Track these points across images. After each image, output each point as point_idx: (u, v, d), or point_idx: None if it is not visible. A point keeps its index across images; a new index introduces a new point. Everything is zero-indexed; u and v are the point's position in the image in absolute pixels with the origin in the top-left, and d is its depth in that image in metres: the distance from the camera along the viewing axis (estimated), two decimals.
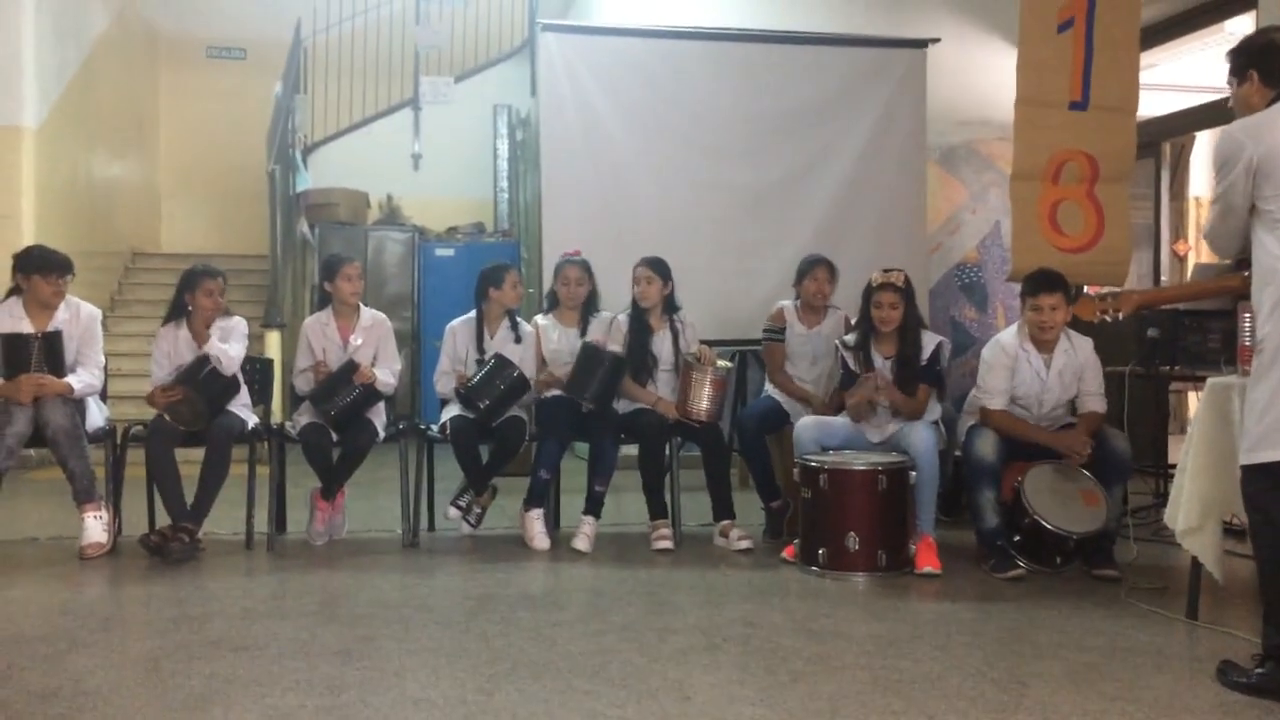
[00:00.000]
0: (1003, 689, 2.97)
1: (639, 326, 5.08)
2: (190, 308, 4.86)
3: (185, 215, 11.31)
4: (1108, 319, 3.59)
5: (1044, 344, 4.45)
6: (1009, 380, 4.45)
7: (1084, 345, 4.50)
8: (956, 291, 8.01)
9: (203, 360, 4.71)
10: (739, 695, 2.89)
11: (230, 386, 4.80)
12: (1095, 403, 4.46)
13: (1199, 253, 9.78)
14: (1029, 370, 4.46)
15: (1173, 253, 8.44)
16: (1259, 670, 2.94)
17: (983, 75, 7.60)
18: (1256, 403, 2.97)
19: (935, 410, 4.68)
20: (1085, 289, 3.57)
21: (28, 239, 7.30)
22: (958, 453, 4.79)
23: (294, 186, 9.39)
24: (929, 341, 4.64)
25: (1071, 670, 3.14)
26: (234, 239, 10.54)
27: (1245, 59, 3.14)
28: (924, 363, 4.60)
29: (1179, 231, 9.48)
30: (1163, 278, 7.19)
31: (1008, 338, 4.54)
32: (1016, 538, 4.40)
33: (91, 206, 9.26)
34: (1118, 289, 3.49)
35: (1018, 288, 7.60)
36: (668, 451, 4.98)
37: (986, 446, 4.38)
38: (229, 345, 4.82)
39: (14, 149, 7.68)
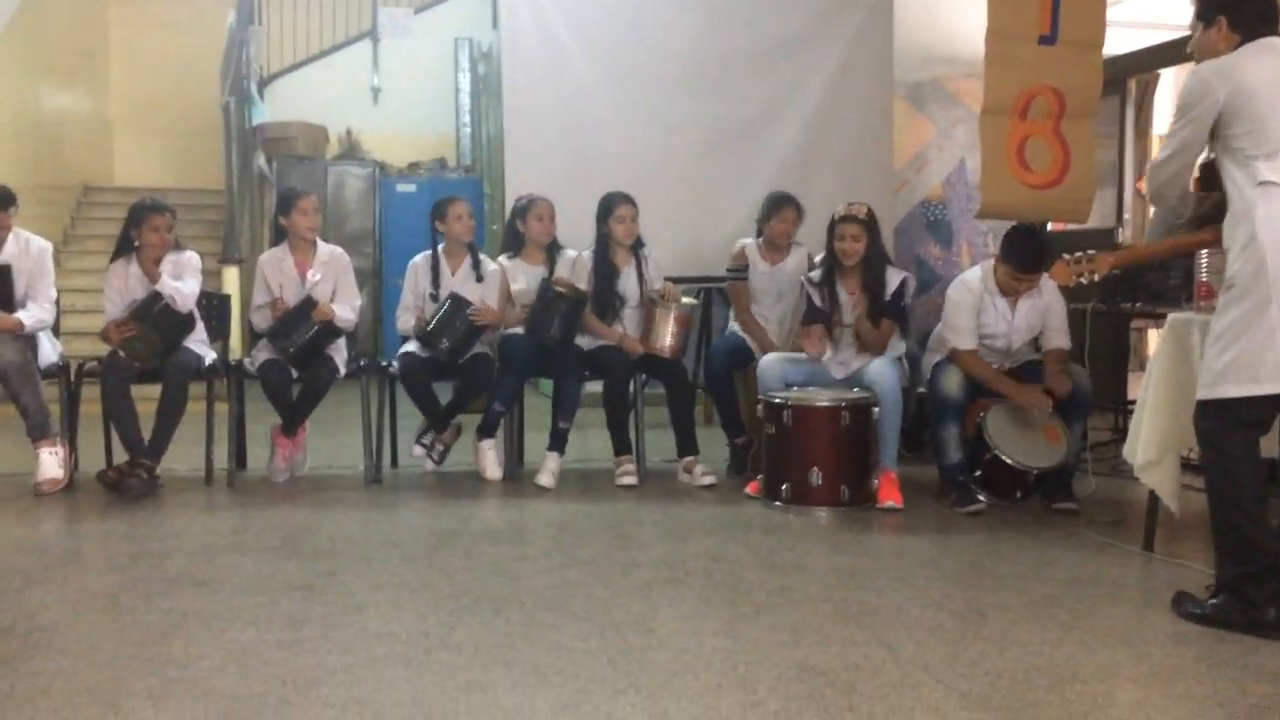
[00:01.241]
0: (962, 619, 3.00)
1: (604, 264, 5.03)
2: (138, 244, 4.74)
3: (138, 148, 11.02)
4: (1083, 282, 3.57)
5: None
6: (975, 319, 4.45)
7: (1048, 284, 4.50)
8: (921, 229, 8.00)
9: (155, 296, 4.61)
10: (702, 627, 2.90)
11: (185, 322, 4.72)
12: (1060, 339, 4.48)
13: None
14: (995, 313, 4.47)
15: (1136, 191, 8.46)
16: (1211, 601, 2.99)
17: (951, 11, 7.51)
18: (1220, 339, 2.96)
19: (899, 347, 4.68)
20: (1064, 256, 3.55)
21: None
22: (921, 389, 4.81)
23: (250, 120, 9.17)
24: (894, 277, 4.63)
25: (1030, 601, 3.17)
26: (189, 173, 10.29)
27: (1215, 4, 3.09)
28: (889, 298, 4.59)
29: (1142, 170, 9.50)
30: (1125, 215, 7.21)
31: (973, 278, 4.53)
32: (978, 472, 4.44)
33: (39, 138, 9.01)
34: (1093, 251, 3.45)
35: (983, 225, 7.66)
36: (632, 388, 4.97)
37: (952, 383, 4.40)
38: (182, 282, 4.72)
39: None
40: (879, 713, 2.34)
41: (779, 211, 5.12)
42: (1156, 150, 9.81)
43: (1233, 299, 2.93)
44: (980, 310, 4.48)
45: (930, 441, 4.64)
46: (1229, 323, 2.93)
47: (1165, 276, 5.52)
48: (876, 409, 4.42)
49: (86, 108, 10.50)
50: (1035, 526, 4.10)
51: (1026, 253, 4.37)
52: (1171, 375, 3.54)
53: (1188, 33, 3.21)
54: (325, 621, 2.92)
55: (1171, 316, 3.58)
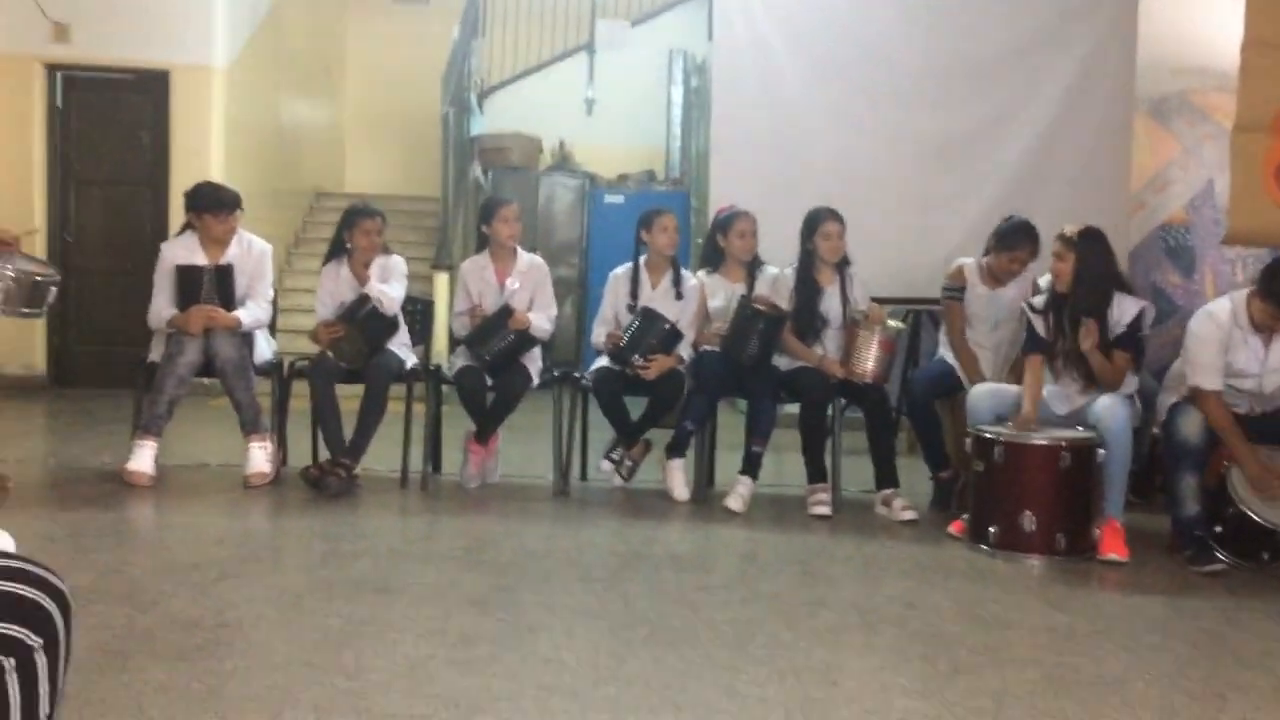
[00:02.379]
0: (1196, 699, 2.63)
1: (807, 282, 4.81)
2: (349, 246, 4.87)
3: (368, 157, 11.57)
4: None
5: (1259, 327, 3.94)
6: (1222, 357, 3.97)
7: None
8: (1160, 255, 7.36)
9: (363, 299, 4.72)
10: (892, 684, 2.65)
11: (390, 325, 4.80)
12: None
13: None
14: (1246, 350, 3.97)
15: None
16: None
17: (1202, 17, 6.88)
18: None
19: (1132, 383, 4.25)
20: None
21: (216, 176, 7.56)
22: (1154, 430, 4.35)
23: (468, 130, 9.43)
24: (1131, 306, 4.19)
25: (1277, 685, 2.76)
26: (411, 181, 10.69)
27: None
28: (1124, 329, 4.16)
29: None
30: None
31: (1221, 310, 4.04)
32: (1218, 528, 3.96)
33: (278, 146, 9.54)
34: None
35: (1230, 253, 6.98)
36: (830, 413, 4.72)
37: (1192, 426, 3.94)
38: (388, 285, 4.81)
39: (204, 87, 7.93)
40: None
41: (1012, 249, 4.71)
42: None
43: None
44: (1228, 347, 3.99)
45: (1163, 489, 4.18)
46: None
47: None
48: (1102, 450, 4.01)
49: (323, 118, 11.08)
50: None
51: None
52: None
53: None
54: (496, 641, 2.84)
55: None
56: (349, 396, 4.79)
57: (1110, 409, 4.05)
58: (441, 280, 8.07)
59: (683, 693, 2.53)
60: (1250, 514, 3.83)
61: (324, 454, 4.77)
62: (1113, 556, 3.94)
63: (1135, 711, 2.53)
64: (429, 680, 2.54)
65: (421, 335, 5.23)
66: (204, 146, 7.94)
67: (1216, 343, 3.99)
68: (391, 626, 2.93)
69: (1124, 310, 4.19)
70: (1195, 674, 2.83)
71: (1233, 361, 3.99)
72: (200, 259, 4.83)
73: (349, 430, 4.70)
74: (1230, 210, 4.89)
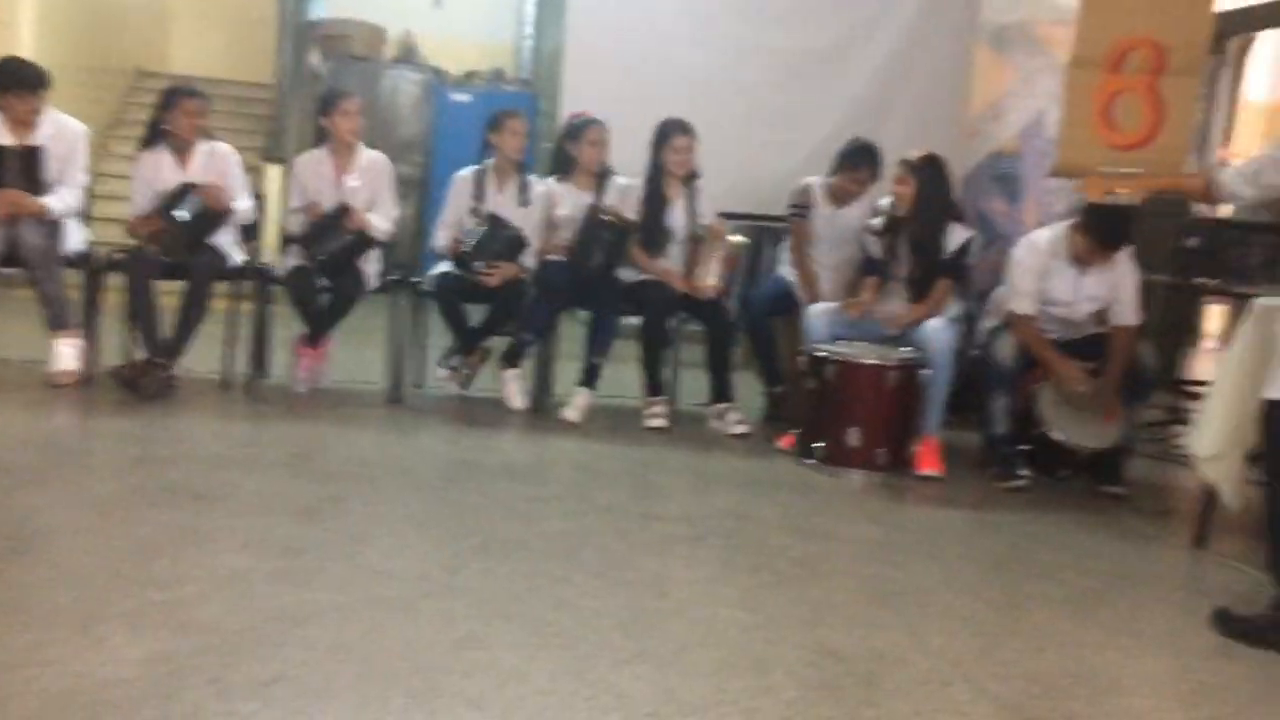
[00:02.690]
0: (997, 610, 2.80)
1: (655, 194, 4.78)
2: (168, 128, 4.57)
3: (195, 36, 10.83)
4: (1117, 200, 3.19)
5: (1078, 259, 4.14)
6: (1038, 283, 4.17)
7: (1123, 255, 4.20)
8: (989, 181, 7.62)
9: (184, 188, 4.45)
10: (719, 595, 2.72)
11: (214, 220, 4.54)
12: (1129, 314, 4.17)
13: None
14: (1062, 280, 4.17)
15: (1220, 161, 8.01)
16: (1264, 614, 2.73)
17: None
18: None
19: (956, 307, 4.42)
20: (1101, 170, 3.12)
21: (26, 48, 6.95)
22: (973, 351, 4.55)
23: (306, 14, 8.93)
24: (960, 234, 4.35)
25: (1070, 595, 2.96)
26: (242, 65, 10.08)
27: None
28: (950, 255, 4.31)
29: (1226, 137, 9.02)
30: None
31: (1042, 240, 4.23)
32: (1024, 446, 4.20)
33: (95, 19, 8.83)
34: (1138, 171, 3.07)
35: (1053, 183, 7.28)
36: (670, 326, 4.75)
37: (1007, 350, 4.13)
38: (226, 182, 4.58)
39: None
40: (901, 712, 2.15)
41: (853, 170, 4.79)
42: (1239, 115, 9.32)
43: None
44: (1046, 275, 4.19)
45: (977, 408, 4.40)
46: None
47: (1246, 252, 5.21)
48: (925, 371, 4.18)
49: None
50: (1079, 510, 3.86)
51: (1109, 227, 4.06)
52: (1251, 365, 3.27)
53: None
54: (322, 552, 2.77)
55: (1258, 302, 3.29)
56: (168, 293, 4.54)
57: (936, 331, 4.21)
58: (273, 173, 7.71)
59: (514, 603, 2.54)
60: (1054, 434, 4.06)
61: (139, 354, 4.52)
62: (929, 472, 4.13)
63: (941, 621, 2.67)
64: (251, 592, 2.47)
65: (251, 231, 4.98)
66: (13, 17, 7.28)
67: (1035, 271, 4.17)
68: (210, 536, 2.83)
69: (954, 238, 4.33)
70: (997, 585, 3.01)
71: (1049, 289, 4.19)
72: (5, 139, 4.44)
73: (168, 329, 4.47)
74: (1060, 143, 5.07)
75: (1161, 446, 4.85)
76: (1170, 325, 5.92)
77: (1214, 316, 8.24)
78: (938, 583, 2.97)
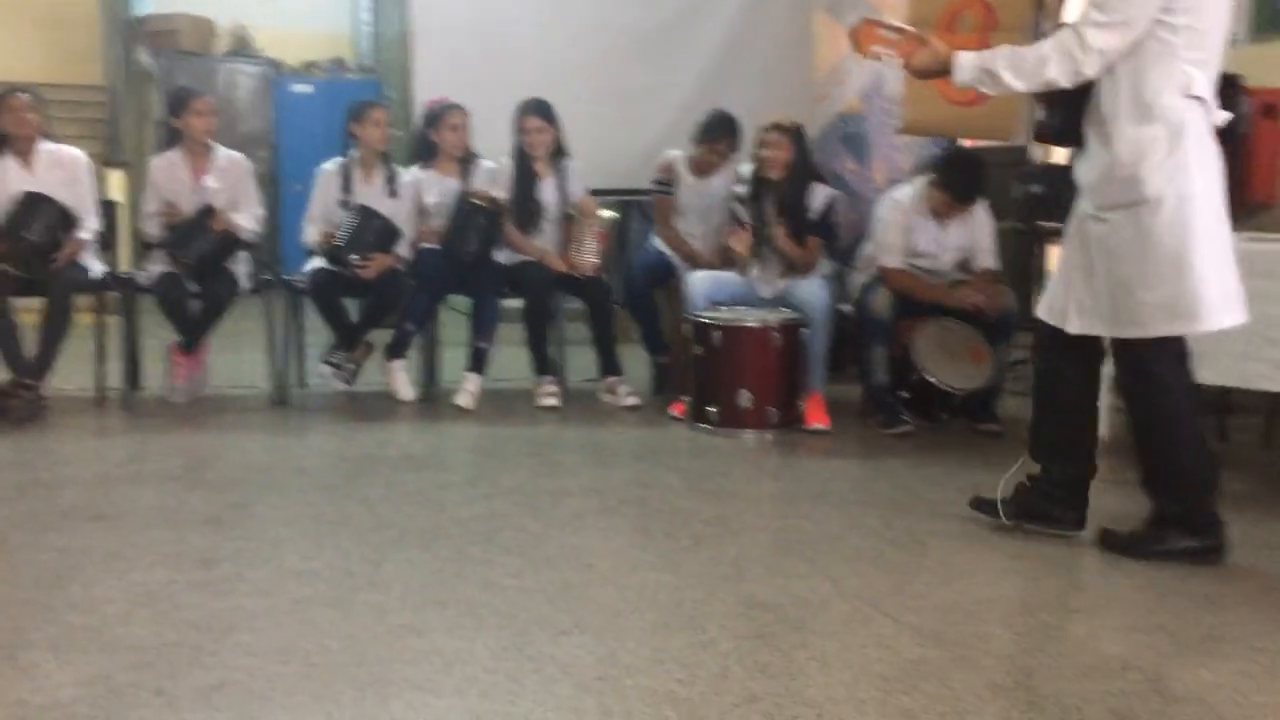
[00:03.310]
0: (903, 549, 2.96)
1: (524, 174, 4.79)
2: (3, 133, 4.37)
3: (10, 41, 10.20)
4: (880, 60, 2.97)
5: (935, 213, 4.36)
6: (905, 238, 4.37)
7: (979, 205, 4.43)
8: (837, 143, 7.88)
9: (31, 200, 4.25)
10: (642, 561, 2.80)
11: (66, 224, 4.34)
12: (989, 259, 4.43)
13: None
14: (925, 233, 4.39)
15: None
16: (1145, 532, 2.92)
17: None
18: (1148, 269, 2.67)
19: (827, 265, 4.60)
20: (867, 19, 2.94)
21: None
22: (845, 307, 4.73)
23: (130, 9, 8.53)
24: (823, 195, 4.52)
25: (967, 529, 3.14)
26: (68, 68, 9.54)
27: None
28: (817, 216, 4.48)
29: None
30: None
31: (904, 197, 4.44)
32: (904, 394, 4.41)
33: None
34: (908, 29, 2.94)
35: (898, 141, 7.57)
36: (552, 305, 4.79)
37: (881, 303, 4.32)
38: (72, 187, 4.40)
39: None
40: (832, 650, 2.27)
41: (712, 141, 4.87)
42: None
43: (1156, 223, 2.66)
44: (910, 229, 4.40)
45: (856, 362, 4.59)
46: (1150, 256, 2.67)
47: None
48: (806, 330, 4.33)
49: None
50: (962, 450, 4.08)
51: (963, 182, 4.29)
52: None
53: None
54: (239, 559, 2.73)
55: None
56: (31, 310, 4.34)
57: (812, 291, 4.37)
58: (117, 178, 7.37)
59: (442, 589, 2.56)
60: (930, 379, 4.28)
61: (2, 376, 4.31)
62: (818, 426, 4.30)
63: (853, 564, 2.81)
64: (173, 607, 2.42)
65: (107, 240, 4.78)
66: None
67: (900, 226, 4.38)
68: (118, 555, 2.75)
69: (817, 198, 4.50)
70: (899, 525, 3.16)
71: (915, 243, 4.40)
72: None
73: (31, 349, 4.27)
74: (904, 103, 5.30)
75: (1028, 383, 5.13)
76: (1020, 269, 6.26)
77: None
78: (843, 529, 3.11)
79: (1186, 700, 2.07)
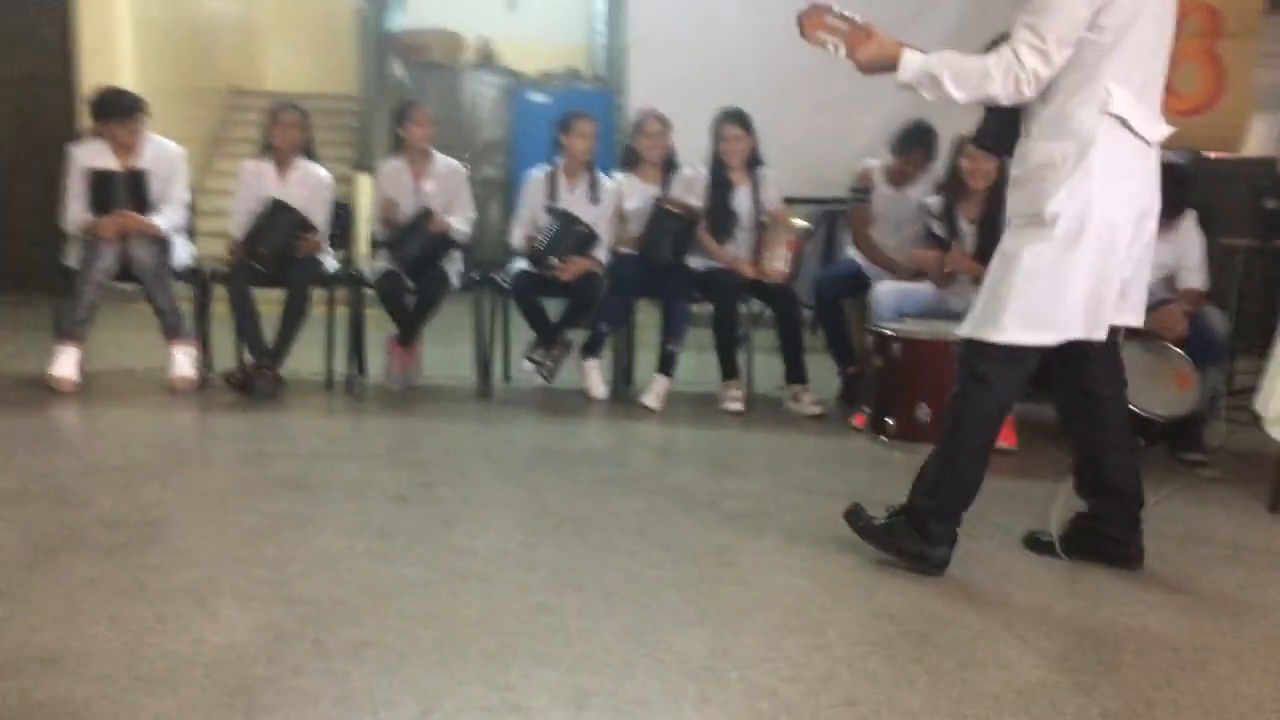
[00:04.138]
0: (1058, 574, 2.88)
1: (719, 182, 4.92)
2: (272, 143, 4.90)
3: (286, 53, 11.29)
4: (827, 48, 2.86)
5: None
6: None
7: (1186, 220, 4.20)
8: None
9: (278, 207, 4.74)
10: (780, 564, 2.87)
11: (300, 228, 4.81)
12: (1194, 278, 4.19)
13: None
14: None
15: None
16: (889, 520, 2.90)
17: None
18: (1020, 276, 2.68)
19: None
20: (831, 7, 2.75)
21: (124, 76, 7.40)
22: None
23: (386, 25, 9.26)
24: None
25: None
26: (332, 79, 10.49)
27: None
28: None
29: None
30: None
31: None
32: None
33: (190, 43, 9.31)
34: (856, 19, 2.78)
35: None
36: (741, 312, 4.89)
37: None
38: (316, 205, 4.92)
39: None
40: (947, 666, 2.27)
41: (905, 153, 4.86)
42: None
43: (1047, 237, 2.65)
44: None
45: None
46: (1039, 263, 2.66)
47: None
48: None
49: (236, 11, 10.77)
50: (1156, 478, 3.87)
51: (1166, 195, 4.06)
52: None
53: None
54: (412, 533, 3.00)
55: None
56: (272, 302, 4.85)
57: None
58: (363, 182, 8.04)
59: (584, 575, 2.72)
60: (1128, 404, 4.08)
61: (248, 359, 4.84)
62: (1002, 445, 4.18)
63: (1002, 584, 2.78)
64: (347, 570, 2.70)
65: (342, 239, 5.27)
66: (111, 46, 7.74)
67: None
68: (312, 521, 3.08)
69: None
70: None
71: None
72: (112, 163, 4.80)
73: (271, 335, 4.78)
74: None
75: (1247, 413, 4.81)
76: (1261, 290, 5.84)
77: None
78: (1001, 549, 3.07)
79: None
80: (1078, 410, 2.95)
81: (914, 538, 2.84)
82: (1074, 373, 2.88)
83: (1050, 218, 2.65)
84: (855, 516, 2.99)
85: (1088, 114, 2.62)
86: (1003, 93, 2.65)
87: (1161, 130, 2.71)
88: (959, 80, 2.68)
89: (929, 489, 2.86)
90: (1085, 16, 2.58)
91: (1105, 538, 2.94)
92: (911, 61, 2.75)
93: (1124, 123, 2.62)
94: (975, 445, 2.84)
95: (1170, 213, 4.03)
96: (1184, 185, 4.11)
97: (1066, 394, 2.96)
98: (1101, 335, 2.74)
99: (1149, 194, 2.74)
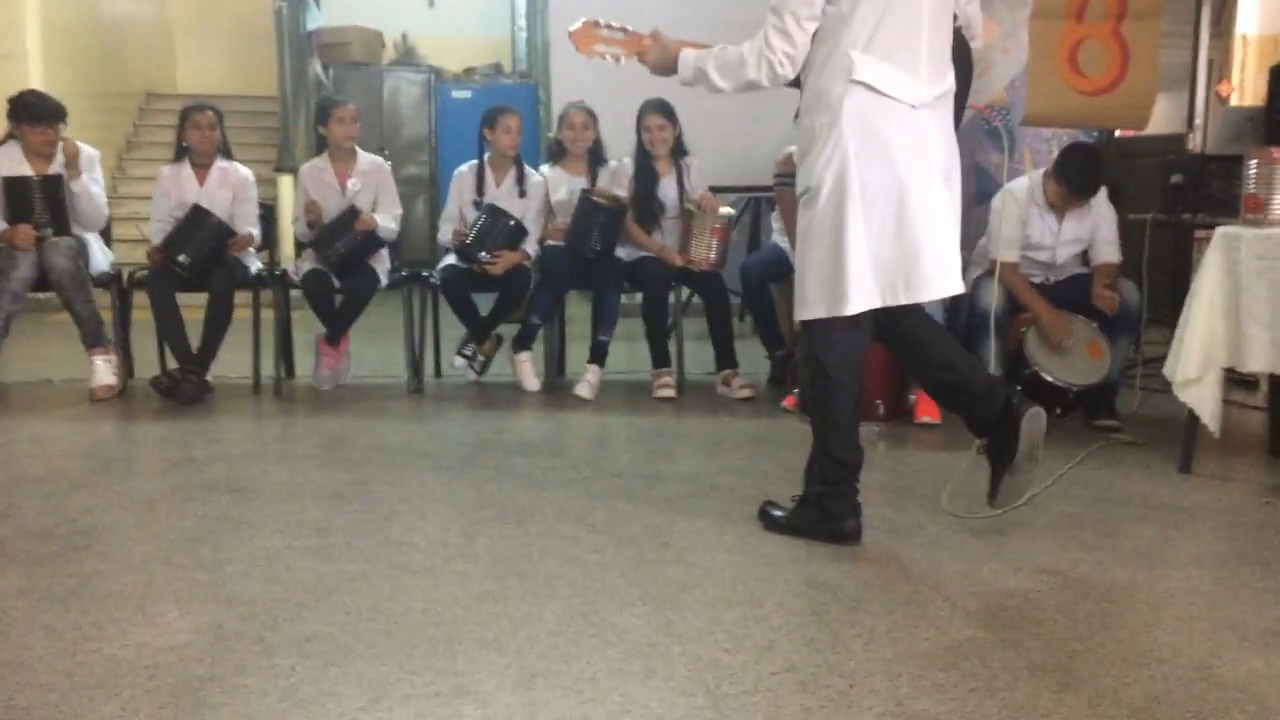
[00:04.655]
0: (981, 538, 2.99)
1: (645, 171, 4.97)
2: (187, 145, 4.84)
3: (200, 55, 11.10)
4: (607, 59, 3.00)
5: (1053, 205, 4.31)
6: (1020, 230, 4.34)
7: (1099, 196, 4.35)
8: (981, 135, 7.75)
9: (198, 215, 4.68)
10: (717, 542, 2.93)
11: (222, 233, 4.75)
12: (1109, 252, 4.34)
13: (1244, 94, 9.37)
14: (1041, 225, 4.34)
15: (1215, 94, 8.08)
16: (792, 511, 3.00)
17: None
18: (805, 257, 2.81)
19: None
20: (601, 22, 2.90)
21: (35, 79, 7.23)
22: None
23: (305, 25, 9.16)
24: None
25: (1054, 520, 3.15)
26: (250, 80, 10.35)
27: None
28: None
29: (1223, 72, 9.07)
30: (1196, 120, 6.90)
31: (1020, 189, 4.40)
32: (1018, 387, 4.35)
33: (101, 45, 9.11)
34: (629, 30, 2.93)
35: (1046, 133, 7.39)
36: (671, 300, 4.95)
37: (992, 297, 4.30)
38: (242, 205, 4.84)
39: None
40: (880, 628, 2.35)
41: None
42: (1239, 51, 9.35)
43: (817, 208, 2.76)
44: (1026, 222, 4.35)
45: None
46: (815, 235, 2.77)
47: (1229, 185, 5.32)
48: None
49: (148, 13, 10.55)
50: (1073, 445, 4.02)
51: (1080, 176, 4.21)
52: (1217, 290, 3.45)
53: None
54: (351, 530, 3.00)
55: (1220, 230, 3.47)
56: (195, 305, 4.79)
57: None
58: (285, 183, 7.96)
59: (526, 562, 2.75)
60: (1043, 374, 4.23)
61: (172, 364, 4.77)
62: (926, 419, 4.31)
63: (929, 551, 2.86)
64: (286, 569, 2.70)
65: (266, 239, 5.22)
66: (20, 49, 7.55)
67: (1015, 219, 4.34)
68: (247, 523, 3.06)
69: None
70: (984, 514, 3.18)
71: (1030, 235, 4.36)
72: (26, 170, 4.70)
73: (195, 340, 4.71)
74: (1028, 93, 5.22)
75: (1160, 380, 4.98)
76: (1167, 262, 6.04)
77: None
78: (927, 518, 3.16)
79: (1230, 688, 2.07)
80: (904, 351, 3.01)
81: (819, 519, 2.93)
82: (886, 327, 2.93)
83: (815, 189, 2.74)
84: (764, 515, 3.07)
85: (836, 84, 2.69)
86: (760, 76, 2.76)
87: (924, 91, 2.71)
88: (723, 71, 2.80)
89: (817, 476, 2.95)
90: None
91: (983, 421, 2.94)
92: (686, 59, 2.87)
93: (871, 88, 2.67)
94: (841, 423, 2.90)
95: (1085, 193, 4.19)
96: (1097, 166, 4.26)
97: (891, 344, 3.04)
98: (912, 299, 2.79)
99: (928, 155, 2.74)
